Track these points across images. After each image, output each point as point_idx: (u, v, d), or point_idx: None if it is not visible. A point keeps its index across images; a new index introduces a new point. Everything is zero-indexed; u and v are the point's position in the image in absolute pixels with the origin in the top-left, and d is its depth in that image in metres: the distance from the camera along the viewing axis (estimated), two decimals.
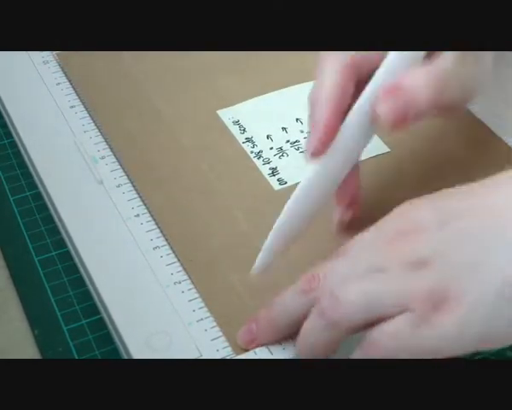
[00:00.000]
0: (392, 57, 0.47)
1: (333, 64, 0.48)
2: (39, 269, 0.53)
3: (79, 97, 0.63)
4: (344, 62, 0.48)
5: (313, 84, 0.49)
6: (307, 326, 0.44)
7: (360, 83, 0.48)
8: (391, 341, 0.41)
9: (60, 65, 0.66)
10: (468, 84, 0.49)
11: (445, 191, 0.45)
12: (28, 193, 0.59)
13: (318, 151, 0.46)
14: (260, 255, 0.48)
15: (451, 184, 0.57)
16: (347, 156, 0.48)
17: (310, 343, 0.44)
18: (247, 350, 0.47)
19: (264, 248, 0.48)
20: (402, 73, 0.46)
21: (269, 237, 0.48)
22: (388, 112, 0.45)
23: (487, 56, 0.50)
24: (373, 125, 0.47)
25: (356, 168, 0.50)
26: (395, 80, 0.46)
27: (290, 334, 0.47)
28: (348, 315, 0.42)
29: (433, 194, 0.45)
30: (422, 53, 0.47)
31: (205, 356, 0.47)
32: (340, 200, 0.52)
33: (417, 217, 0.43)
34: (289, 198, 0.48)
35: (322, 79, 0.48)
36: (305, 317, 0.45)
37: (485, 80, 0.50)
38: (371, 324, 0.42)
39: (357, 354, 0.43)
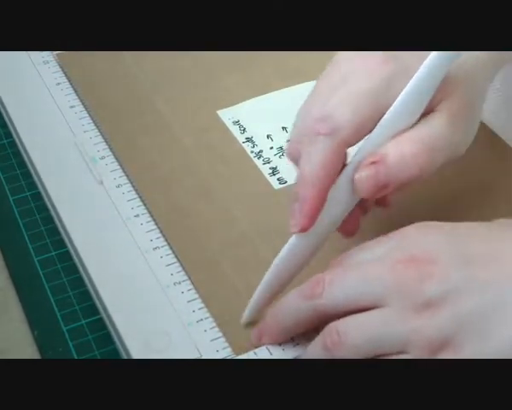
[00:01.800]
0: (385, 122, 0.46)
1: (324, 142, 0.46)
2: (39, 269, 0.53)
3: (79, 97, 0.63)
4: (337, 142, 0.46)
5: (300, 149, 0.47)
6: (311, 350, 0.45)
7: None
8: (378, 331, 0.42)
9: (60, 65, 0.66)
10: (459, 148, 0.49)
11: (473, 225, 0.43)
12: (28, 193, 0.59)
13: (305, 229, 0.46)
14: (248, 309, 0.49)
15: (451, 184, 0.57)
16: (333, 222, 0.48)
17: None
18: (246, 350, 0.47)
19: (252, 302, 0.49)
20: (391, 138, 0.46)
21: (256, 293, 0.49)
22: (364, 182, 0.45)
23: (478, 112, 0.50)
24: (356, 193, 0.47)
25: (355, 210, 0.49)
26: (380, 149, 0.45)
27: (297, 333, 0.47)
28: (348, 354, 0.43)
29: (458, 224, 0.44)
30: (417, 116, 0.46)
31: (204, 356, 0.47)
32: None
33: (433, 244, 0.43)
34: (277, 255, 0.48)
35: (313, 155, 0.46)
36: (306, 320, 0.45)
37: (475, 133, 0.50)
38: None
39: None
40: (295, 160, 0.48)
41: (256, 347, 0.47)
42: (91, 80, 0.65)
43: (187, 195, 0.56)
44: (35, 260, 0.54)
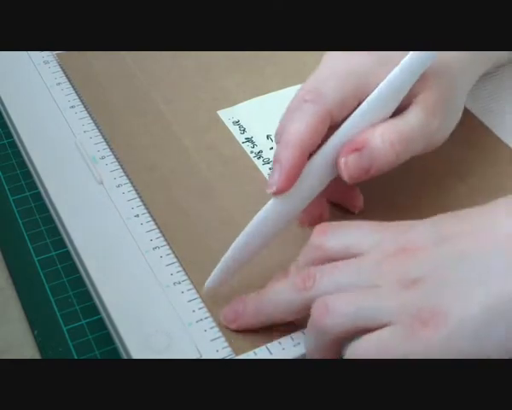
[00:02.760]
0: (363, 108, 0.49)
1: (309, 107, 0.49)
2: (39, 269, 0.53)
3: (79, 97, 0.63)
4: (321, 108, 0.49)
5: (285, 118, 0.50)
6: (306, 333, 0.46)
7: (333, 127, 0.49)
8: (375, 351, 0.42)
9: (60, 65, 0.66)
10: (436, 138, 0.52)
11: (446, 215, 0.46)
12: (28, 193, 0.59)
13: (281, 190, 0.48)
14: (212, 275, 0.49)
15: (451, 184, 0.57)
16: (308, 194, 0.49)
17: (311, 350, 0.45)
18: (246, 350, 0.47)
19: (218, 268, 0.49)
20: (369, 125, 0.49)
21: (223, 258, 0.49)
22: (350, 167, 0.49)
23: (460, 102, 0.53)
24: (335, 170, 0.49)
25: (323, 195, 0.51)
26: (362, 136, 0.49)
27: (273, 323, 0.48)
28: (335, 325, 0.43)
29: (434, 217, 0.46)
30: (392, 108, 0.49)
31: (204, 356, 0.47)
32: (303, 221, 0.53)
33: (415, 237, 0.45)
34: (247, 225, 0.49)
35: (296, 119, 0.49)
36: (293, 311, 0.46)
37: (453, 127, 0.53)
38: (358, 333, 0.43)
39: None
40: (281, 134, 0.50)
41: (254, 342, 0.47)
42: (91, 80, 0.65)
43: (187, 195, 0.56)
44: (35, 260, 0.54)
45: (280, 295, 0.47)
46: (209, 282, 0.49)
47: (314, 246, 0.48)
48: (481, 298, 0.41)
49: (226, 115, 0.63)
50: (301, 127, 0.48)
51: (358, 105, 0.49)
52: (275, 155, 0.49)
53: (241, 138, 0.61)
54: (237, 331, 0.48)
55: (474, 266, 0.42)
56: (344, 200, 0.54)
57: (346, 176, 0.49)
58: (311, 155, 0.49)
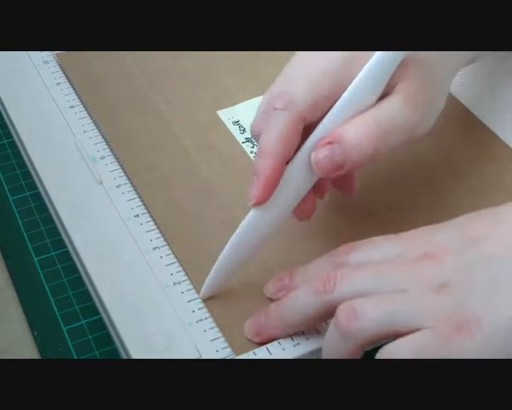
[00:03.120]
0: (337, 107, 0.47)
1: (281, 115, 0.48)
2: (39, 269, 0.53)
3: (79, 97, 0.63)
4: (293, 115, 0.47)
5: (258, 125, 0.50)
6: (327, 336, 0.44)
7: (308, 130, 0.48)
8: (411, 354, 0.41)
9: (60, 65, 0.66)
10: (417, 130, 0.49)
11: (471, 215, 0.45)
12: (28, 193, 0.59)
13: (260, 202, 0.48)
14: (205, 286, 0.50)
15: (450, 184, 0.57)
16: (290, 199, 0.49)
17: (331, 353, 0.44)
18: (246, 350, 0.47)
19: (210, 278, 0.50)
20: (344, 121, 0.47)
21: (213, 268, 0.50)
22: (322, 162, 0.47)
23: (442, 91, 0.51)
24: (314, 172, 0.48)
25: (311, 193, 0.50)
26: (335, 130, 0.47)
27: (299, 331, 0.47)
28: (364, 330, 0.42)
29: (460, 217, 0.45)
30: (368, 105, 0.47)
31: (204, 357, 0.47)
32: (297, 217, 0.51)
33: (442, 240, 0.44)
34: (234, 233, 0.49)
35: (269, 129, 0.48)
36: (315, 316, 0.45)
37: (435, 118, 0.51)
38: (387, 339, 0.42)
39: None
40: (257, 137, 0.49)
41: (254, 342, 0.47)
42: (91, 80, 0.65)
43: (187, 195, 0.56)
44: (35, 260, 0.54)
45: (299, 300, 0.46)
46: (203, 292, 0.50)
47: (336, 263, 0.47)
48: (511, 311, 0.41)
49: (226, 115, 0.63)
50: (275, 137, 0.47)
51: (332, 106, 0.48)
52: (253, 167, 0.48)
53: (240, 138, 0.61)
54: (237, 331, 0.48)
55: (503, 269, 0.42)
56: (338, 185, 0.53)
57: (318, 171, 0.47)
58: (288, 161, 0.48)
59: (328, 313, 0.44)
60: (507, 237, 0.43)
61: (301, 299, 0.46)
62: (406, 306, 0.42)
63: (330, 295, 0.44)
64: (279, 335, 0.48)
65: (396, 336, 0.42)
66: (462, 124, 0.62)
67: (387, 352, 0.42)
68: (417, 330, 0.41)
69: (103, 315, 0.50)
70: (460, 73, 0.64)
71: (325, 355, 0.45)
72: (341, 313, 0.43)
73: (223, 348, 0.47)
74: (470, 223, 0.45)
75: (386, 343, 0.42)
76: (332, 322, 0.44)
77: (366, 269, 0.45)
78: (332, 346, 0.44)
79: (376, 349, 0.48)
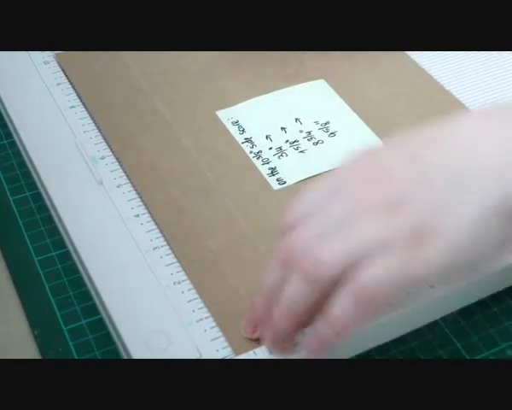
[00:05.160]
0: None
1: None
2: (39, 269, 0.53)
3: (79, 97, 0.63)
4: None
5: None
6: (291, 294, 0.43)
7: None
8: (381, 280, 0.41)
9: (60, 65, 0.66)
10: None
11: (408, 133, 0.45)
12: (28, 193, 0.59)
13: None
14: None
15: None
16: None
17: (295, 310, 0.44)
18: (246, 350, 0.47)
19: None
20: None
21: None
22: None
23: None
24: None
25: None
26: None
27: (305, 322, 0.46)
28: (330, 267, 0.42)
29: (395, 137, 0.45)
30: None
31: (204, 356, 0.47)
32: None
33: (385, 161, 0.44)
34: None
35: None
36: (317, 300, 0.44)
37: None
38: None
39: (347, 303, 0.42)
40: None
41: (254, 342, 0.47)
42: (91, 80, 0.65)
43: (187, 195, 0.56)
44: (35, 260, 0.54)
45: (273, 279, 0.45)
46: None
47: (287, 226, 0.45)
48: (469, 206, 0.41)
49: (225, 115, 0.63)
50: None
51: None
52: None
53: (240, 139, 0.61)
54: (237, 331, 0.48)
55: (452, 178, 0.42)
56: None
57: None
58: None
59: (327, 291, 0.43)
60: (444, 145, 0.43)
61: (274, 278, 0.45)
62: (367, 232, 0.42)
63: (296, 255, 0.43)
64: (288, 333, 0.46)
65: (359, 266, 0.42)
66: None
67: (357, 280, 0.41)
68: (382, 254, 0.41)
69: (103, 315, 0.50)
70: (460, 74, 0.64)
71: (291, 306, 0.44)
72: (304, 263, 0.42)
73: (223, 348, 0.47)
74: (407, 142, 0.45)
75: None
76: (295, 279, 0.43)
77: (316, 215, 0.44)
78: (298, 301, 0.43)
79: (376, 349, 0.48)
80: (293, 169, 0.58)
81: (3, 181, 0.60)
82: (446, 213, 0.42)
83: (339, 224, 0.43)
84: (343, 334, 0.43)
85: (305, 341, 0.44)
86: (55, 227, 0.55)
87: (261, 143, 0.60)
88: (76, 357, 0.49)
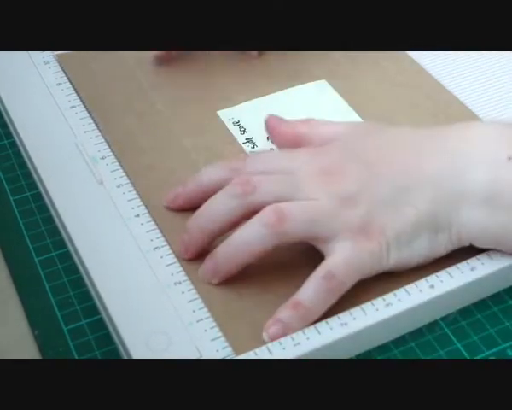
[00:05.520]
0: None
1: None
2: (39, 269, 0.53)
3: (80, 98, 0.63)
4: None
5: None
6: (247, 234, 0.48)
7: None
8: (345, 270, 0.47)
9: (60, 65, 0.66)
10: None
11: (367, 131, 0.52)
12: (28, 193, 0.59)
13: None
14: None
15: None
16: None
17: (246, 248, 0.49)
18: (246, 350, 0.47)
19: None
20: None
21: None
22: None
23: None
24: None
25: None
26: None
27: (217, 237, 0.50)
28: (291, 230, 0.48)
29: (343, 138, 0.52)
30: None
31: (205, 356, 0.47)
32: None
33: (341, 157, 0.50)
34: None
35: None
36: (236, 219, 0.49)
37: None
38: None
39: (314, 289, 0.47)
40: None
41: (254, 342, 0.47)
42: (92, 80, 0.65)
43: None
44: (35, 260, 0.54)
45: (220, 206, 0.50)
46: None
47: (233, 169, 0.51)
48: (410, 214, 0.48)
49: (226, 116, 0.63)
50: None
51: None
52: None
53: (241, 139, 0.61)
54: (237, 331, 0.48)
55: (399, 185, 0.49)
56: None
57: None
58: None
59: (250, 213, 0.48)
60: (398, 161, 0.50)
61: (217, 203, 0.50)
62: (325, 215, 0.48)
63: (252, 197, 0.49)
64: (200, 245, 0.51)
65: (312, 241, 0.48)
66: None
67: (327, 274, 0.47)
68: (334, 237, 0.48)
69: (104, 315, 0.50)
70: (460, 74, 0.64)
71: (242, 244, 0.48)
72: (271, 212, 0.48)
73: (223, 348, 0.47)
74: (364, 144, 0.51)
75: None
76: (256, 221, 0.48)
77: (278, 177, 0.49)
78: (254, 240, 0.48)
79: (376, 349, 0.48)
80: None
81: (4, 181, 0.60)
82: (389, 213, 0.48)
83: (301, 196, 0.48)
84: (308, 320, 0.47)
85: (268, 328, 0.47)
86: (56, 227, 0.55)
87: (262, 144, 0.60)
88: (76, 357, 0.49)
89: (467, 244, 0.50)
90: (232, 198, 0.49)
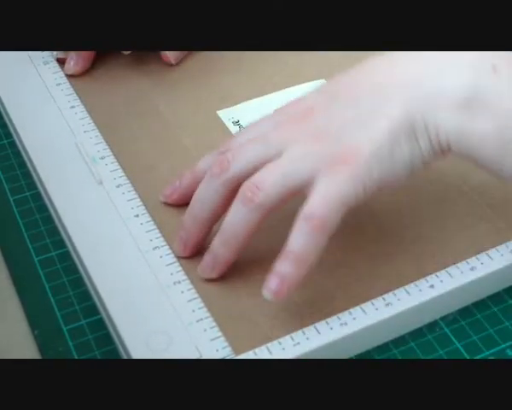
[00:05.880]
0: None
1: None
2: (39, 269, 0.53)
3: (80, 98, 0.63)
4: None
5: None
6: (232, 216, 0.49)
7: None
8: (323, 206, 0.47)
9: (60, 65, 0.66)
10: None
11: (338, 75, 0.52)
12: (28, 193, 0.59)
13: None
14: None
15: (451, 183, 0.57)
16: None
17: (235, 231, 0.49)
18: (246, 350, 0.47)
19: None
20: None
21: None
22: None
23: None
24: None
25: None
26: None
27: (213, 224, 0.51)
28: (267, 197, 0.48)
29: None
30: None
31: (204, 356, 0.47)
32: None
33: (309, 102, 0.50)
34: None
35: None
36: (220, 200, 0.50)
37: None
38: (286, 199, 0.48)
39: (301, 234, 0.47)
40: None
41: (254, 342, 0.47)
42: (91, 80, 0.65)
43: None
44: (35, 260, 0.54)
45: (203, 190, 0.50)
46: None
47: (221, 152, 0.51)
48: (383, 125, 0.48)
49: (226, 115, 0.63)
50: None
51: None
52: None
53: None
54: (237, 331, 0.48)
55: (365, 107, 0.48)
56: None
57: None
58: None
59: (230, 190, 0.49)
60: (366, 78, 0.49)
61: (204, 189, 0.50)
62: (295, 161, 0.48)
63: (228, 173, 0.49)
64: (200, 237, 0.51)
65: (295, 193, 0.48)
66: None
67: (306, 215, 0.47)
68: (311, 179, 0.47)
69: (103, 315, 0.50)
70: None
71: (231, 227, 0.49)
72: (245, 189, 0.48)
73: (223, 348, 0.47)
74: (328, 83, 0.52)
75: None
76: (237, 201, 0.48)
77: (249, 142, 0.50)
78: (240, 221, 0.49)
79: (376, 349, 0.48)
80: None
81: (3, 181, 0.60)
82: (363, 134, 0.48)
83: (272, 152, 0.49)
84: (302, 266, 0.47)
85: (267, 285, 0.47)
86: (55, 227, 0.55)
87: None
88: (76, 357, 0.49)
89: (447, 149, 0.48)
90: (213, 180, 0.50)
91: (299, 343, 0.47)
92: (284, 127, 0.50)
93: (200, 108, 0.63)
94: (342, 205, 0.47)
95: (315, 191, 0.47)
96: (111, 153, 0.59)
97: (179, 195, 0.55)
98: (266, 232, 0.53)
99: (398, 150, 0.48)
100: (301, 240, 0.47)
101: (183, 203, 0.54)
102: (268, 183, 0.48)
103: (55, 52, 0.62)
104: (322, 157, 0.48)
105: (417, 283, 0.50)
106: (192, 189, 0.52)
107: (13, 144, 0.62)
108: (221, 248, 0.50)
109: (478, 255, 0.52)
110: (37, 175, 0.58)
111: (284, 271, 0.47)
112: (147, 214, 0.55)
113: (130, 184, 0.57)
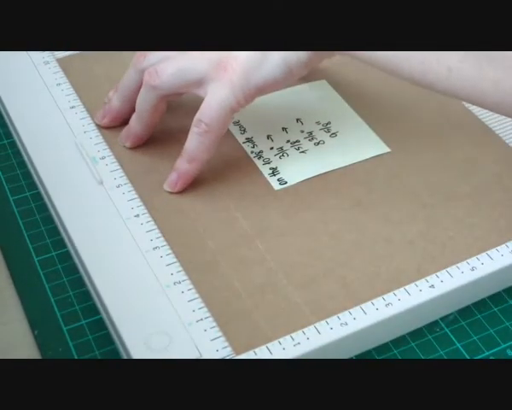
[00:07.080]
0: None
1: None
2: (39, 269, 0.53)
3: (80, 98, 0.63)
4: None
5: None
6: (139, 97, 0.58)
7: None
8: (209, 112, 0.56)
9: (60, 65, 0.66)
10: None
11: None
12: (28, 193, 0.59)
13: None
14: None
15: (451, 184, 0.57)
16: None
17: (140, 110, 0.58)
18: (246, 350, 0.47)
19: None
20: None
21: None
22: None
23: None
24: None
25: None
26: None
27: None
28: (163, 83, 0.57)
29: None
30: None
31: (204, 356, 0.47)
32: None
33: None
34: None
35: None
36: (135, 86, 0.59)
37: None
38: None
39: (193, 135, 0.56)
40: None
41: (254, 342, 0.47)
42: (92, 80, 0.65)
43: (187, 195, 0.56)
44: (35, 260, 0.54)
45: (125, 79, 0.60)
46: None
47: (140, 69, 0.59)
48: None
49: None
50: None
51: None
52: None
53: (241, 138, 0.61)
54: (237, 331, 0.48)
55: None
56: None
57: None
58: None
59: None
60: None
61: (126, 78, 0.60)
62: (190, 61, 0.56)
63: (142, 64, 0.58)
64: (123, 112, 0.60)
65: (187, 88, 0.57)
66: (461, 123, 0.62)
67: (196, 120, 0.56)
68: (203, 81, 0.56)
69: (103, 315, 0.50)
70: None
71: (136, 115, 0.59)
72: (146, 73, 0.57)
73: (223, 348, 0.47)
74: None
75: None
76: (142, 86, 0.58)
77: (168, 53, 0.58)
78: (141, 102, 0.58)
79: (376, 349, 0.48)
80: (294, 169, 0.58)
81: (3, 181, 0.60)
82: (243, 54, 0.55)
83: (177, 54, 0.57)
84: (196, 163, 0.56)
85: (167, 179, 0.57)
86: (55, 227, 0.56)
87: (262, 143, 0.60)
88: (76, 357, 0.49)
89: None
90: (132, 71, 0.59)
91: (299, 343, 0.47)
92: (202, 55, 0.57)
93: None
94: (224, 110, 0.55)
95: (205, 99, 0.56)
96: (111, 153, 0.59)
97: (112, 117, 0.61)
98: (266, 233, 0.53)
99: (271, 53, 0.54)
100: (194, 142, 0.56)
101: (115, 125, 0.61)
102: (166, 73, 0.56)
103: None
104: (211, 62, 0.55)
105: (417, 283, 0.50)
106: (122, 109, 0.60)
107: (13, 144, 0.62)
108: (133, 121, 0.59)
109: (478, 255, 0.52)
110: (37, 175, 0.58)
111: (181, 167, 0.57)
112: (147, 214, 0.55)
113: (130, 185, 0.57)
